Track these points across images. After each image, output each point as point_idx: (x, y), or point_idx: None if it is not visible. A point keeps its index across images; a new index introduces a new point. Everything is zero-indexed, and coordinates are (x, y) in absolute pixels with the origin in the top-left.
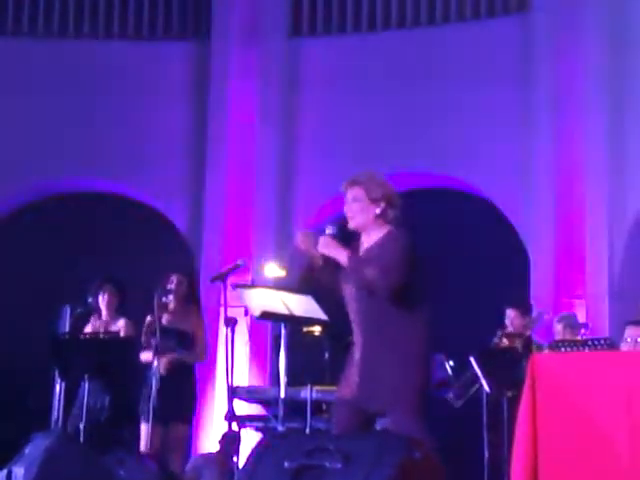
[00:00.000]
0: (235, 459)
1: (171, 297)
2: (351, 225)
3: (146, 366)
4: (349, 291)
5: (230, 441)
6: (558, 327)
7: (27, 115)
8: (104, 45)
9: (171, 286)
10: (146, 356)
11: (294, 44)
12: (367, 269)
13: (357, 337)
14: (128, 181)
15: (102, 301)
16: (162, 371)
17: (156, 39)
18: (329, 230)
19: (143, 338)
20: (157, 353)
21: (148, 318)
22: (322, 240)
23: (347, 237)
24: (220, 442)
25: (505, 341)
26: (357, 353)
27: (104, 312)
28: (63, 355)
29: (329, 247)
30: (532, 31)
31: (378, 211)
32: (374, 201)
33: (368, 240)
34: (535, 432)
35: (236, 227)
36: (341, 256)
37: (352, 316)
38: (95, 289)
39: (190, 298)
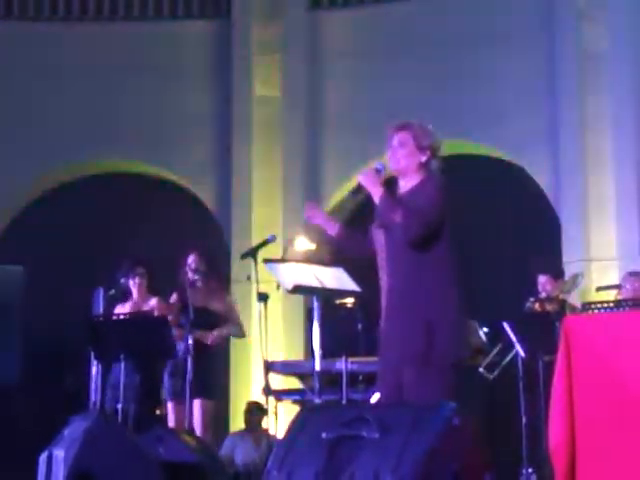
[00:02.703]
0: (265, 428)
1: (194, 277)
2: (392, 168)
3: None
4: (379, 237)
5: (253, 411)
6: (628, 286)
7: (56, 98)
8: (125, 26)
9: (192, 266)
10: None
11: (314, 17)
12: (397, 211)
13: (383, 284)
14: (155, 161)
15: (133, 283)
16: (210, 342)
17: (177, 18)
18: (376, 165)
19: (170, 317)
20: (189, 332)
21: (174, 296)
22: (364, 171)
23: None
24: (245, 414)
25: (537, 306)
26: (383, 301)
27: (136, 293)
28: (98, 337)
29: (368, 180)
30: None
31: (423, 159)
32: (421, 149)
33: (405, 186)
34: (571, 394)
35: (264, 203)
36: (376, 193)
37: (380, 263)
38: (126, 271)
39: (210, 275)
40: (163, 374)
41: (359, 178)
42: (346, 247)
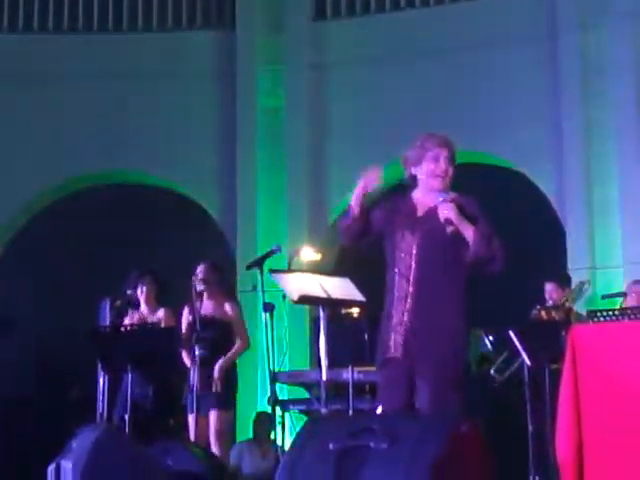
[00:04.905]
0: (272, 438)
1: (202, 287)
2: (444, 184)
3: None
4: (408, 244)
5: (261, 421)
6: (634, 294)
7: (58, 108)
8: (129, 38)
9: (199, 276)
10: (186, 359)
11: (318, 27)
12: (493, 243)
13: (401, 292)
14: (159, 171)
15: (141, 293)
16: (217, 380)
17: (181, 30)
18: (441, 196)
19: (184, 336)
20: (198, 342)
21: (185, 311)
22: (447, 207)
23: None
24: (253, 424)
25: (544, 314)
26: (406, 310)
27: (143, 304)
28: (105, 348)
29: (458, 215)
30: (556, 3)
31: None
32: (454, 168)
33: (430, 200)
34: (578, 403)
35: (269, 213)
36: (468, 228)
37: (402, 270)
38: (134, 281)
39: (220, 287)
40: (178, 384)
41: (448, 215)
42: (354, 230)
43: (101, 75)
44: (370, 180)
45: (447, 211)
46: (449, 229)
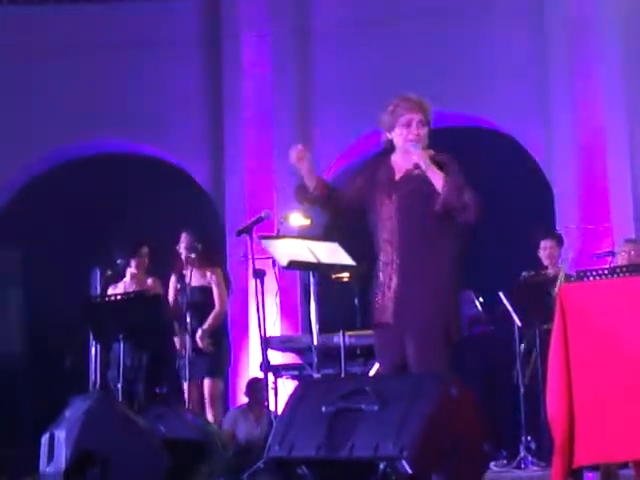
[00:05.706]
0: (266, 403)
1: (186, 255)
2: (422, 146)
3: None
4: (388, 209)
5: (255, 388)
6: (623, 252)
7: (46, 79)
8: (113, 5)
9: (182, 244)
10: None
11: None
12: (465, 193)
13: (387, 257)
14: (147, 140)
15: (136, 263)
16: (205, 349)
17: None
18: (413, 146)
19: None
20: (187, 310)
21: (172, 279)
22: (422, 153)
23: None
24: (246, 391)
25: (533, 276)
26: (392, 275)
27: (134, 273)
28: (96, 317)
29: (427, 162)
30: None
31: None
32: (428, 130)
33: (407, 163)
34: (568, 362)
35: (258, 179)
36: (437, 175)
37: (385, 236)
38: (130, 251)
39: (203, 255)
40: (169, 352)
41: (418, 160)
42: (321, 200)
43: (86, 44)
44: (295, 159)
45: (416, 156)
46: (416, 172)
